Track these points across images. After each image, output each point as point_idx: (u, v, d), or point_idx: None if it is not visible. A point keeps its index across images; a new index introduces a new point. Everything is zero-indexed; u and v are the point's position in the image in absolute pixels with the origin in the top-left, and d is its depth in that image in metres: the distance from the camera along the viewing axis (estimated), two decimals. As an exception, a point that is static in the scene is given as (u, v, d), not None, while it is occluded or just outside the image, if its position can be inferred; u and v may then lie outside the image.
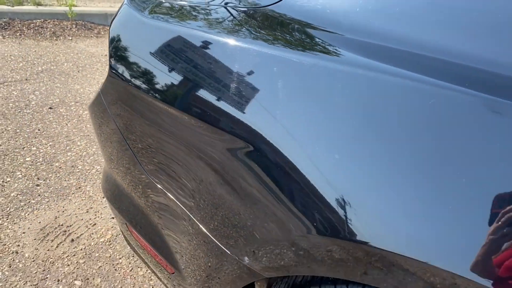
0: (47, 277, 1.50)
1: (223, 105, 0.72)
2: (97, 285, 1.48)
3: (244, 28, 0.78)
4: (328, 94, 0.60)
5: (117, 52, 0.97)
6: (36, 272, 1.52)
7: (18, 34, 3.84)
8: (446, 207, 0.48)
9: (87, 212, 1.82)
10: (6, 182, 1.97)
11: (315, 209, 0.59)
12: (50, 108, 2.59)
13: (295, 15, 0.73)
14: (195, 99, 0.76)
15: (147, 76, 0.88)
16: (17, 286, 1.46)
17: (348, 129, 0.56)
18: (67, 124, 2.40)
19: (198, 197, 0.82)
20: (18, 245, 1.64)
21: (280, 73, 0.65)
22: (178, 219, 0.91)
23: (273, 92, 0.66)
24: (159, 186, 0.93)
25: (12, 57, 3.29)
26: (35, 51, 3.42)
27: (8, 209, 1.81)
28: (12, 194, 1.90)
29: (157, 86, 0.85)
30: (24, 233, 1.70)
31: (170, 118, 0.82)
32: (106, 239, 1.68)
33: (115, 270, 1.55)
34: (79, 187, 1.96)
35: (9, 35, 3.81)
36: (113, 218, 1.78)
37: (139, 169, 0.98)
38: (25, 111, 2.54)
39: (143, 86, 0.88)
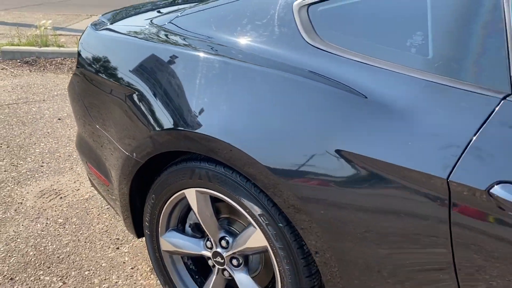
0: (39, 217, 2.19)
1: (125, 76, 1.43)
2: (74, 222, 2.16)
3: (152, 35, 1.51)
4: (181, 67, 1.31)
5: (80, 54, 1.71)
6: (33, 214, 2.22)
7: (42, 68, 4.72)
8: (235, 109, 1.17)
9: (75, 182, 2.52)
10: (19, 164, 2.70)
11: (165, 115, 1.28)
12: (59, 119, 3.36)
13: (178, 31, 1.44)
14: (115, 78, 1.48)
15: (94, 66, 1.61)
16: (19, 221, 2.15)
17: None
18: (70, 130, 3.15)
19: (114, 127, 1.52)
20: (23, 199, 2.34)
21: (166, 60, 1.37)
22: (108, 144, 1.60)
23: (159, 72, 1.37)
24: (98, 126, 1.63)
25: (35, 85, 4.13)
26: (54, 81, 4.26)
27: (18, 179, 2.53)
28: (22, 171, 2.62)
29: (98, 70, 1.57)
30: (28, 193, 2.40)
31: (103, 89, 1.53)
32: (84, 198, 2.37)
33: (87, 214, 2.23)
34: (72, 168, 2.67)
35: (35, 69, 4.70)
36: (92, 187, 2.46)
37: (89, 120, 1.69)
38: (39, 120, 3.32)
39: (91, 73, 1.60)
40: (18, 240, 2.01)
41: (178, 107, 1.27)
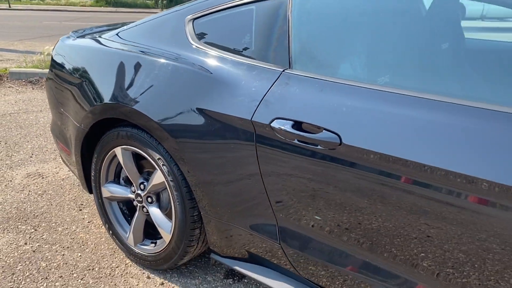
0: (24, 190, 2.80)
1: (78, 70, 2.08)
2: (49, 193, 2.77)
3: (101, 42, 2.16)
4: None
5: (53, 58, 2.36)
6: (18, 188, 2.83)
7: (42, 87, 5.43)
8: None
9: (55, 168, 3.14)
10: (13, 155, 3.34)
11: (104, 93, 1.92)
12: (51, 124, 4.01)
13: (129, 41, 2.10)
14: (72, 72, 2.13)
15: (60, 65, 2.26)
16: (7, 192, 2.76)
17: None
18: (58, 131, 3.79)
19: (71, 107, 2.14)
20: (12, 179, 2.96)
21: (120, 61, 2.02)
22: (68, 121, 2.23)
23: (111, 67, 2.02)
24: (62, 109, 2.26)
25: (35, 99, 4.82)
26: (51, 96, 4.96)
27: (11, 166, 3.16)
28: (15, 160, 3.26)
29: (62, 68, 2.22)
30: (17, 174, 3.03)
31: (64, 80, 2.18)
32: (61, 178, 2.98)
33: (61, 188, 2.84)
34: (55, 159, 3.30)
35: (37, 87, 5.41)
36: (69, 171, 3.08)
37: (57, 106, 2.32)
38: (35, 125, 3.98)
39: (58, 71, 2.25)
40: (5, 204, 2.61)
41: (106, 89, 1.90)
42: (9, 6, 22.21)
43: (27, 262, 2.07)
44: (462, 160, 1.08)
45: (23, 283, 1.93)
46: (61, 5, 25.14)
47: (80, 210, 2.55)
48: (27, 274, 1.99)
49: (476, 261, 1.11)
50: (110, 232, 2.17)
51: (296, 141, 1.39)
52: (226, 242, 1.76)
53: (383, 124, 1.24)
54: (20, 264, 2.05)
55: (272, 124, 1.44)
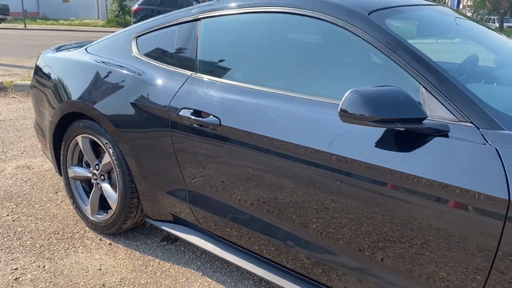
0: (12, 177, 3.37)
1: (52, 76, 2.67)
2: (33, 180, 3.33)
3: (72, 55, 2.75)
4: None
5: (36, 66, 2.95)
6: (8, 176, 3.39)
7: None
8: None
9: (42, 162, 3.71)
10: (7, 152, 3.91)
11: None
12: (44, 128, 4.59)
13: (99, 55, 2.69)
14: (47, 77, 2.71)
15: (40, 73, 2.84)
16: (0, 184, 3.33)
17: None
18: (49, 134, 4.37)
19: (47, 105, 2.72)
20: (4, 169, 3.53)
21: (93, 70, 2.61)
22: (44, 117, 2.80)
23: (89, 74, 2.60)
24: (41, 108, 2.84)
25: (23, 109, 5.44)
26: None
27: (4, 160, 3.73)
28: (8, 156, 3.83)
29: (42, 75, 2.81)
30: (8, 166, 3.60)
31: (43, 84, 2.76)
32: (45, 169, 3.54)
33: (44, 177, 3.40)
34: (42, 155, 3.88)
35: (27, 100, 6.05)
36: (43, 155, 3.63)
37: (37, 105, 2.90)
38: (30, 129, 4.57)
39: (40, 79, 2.84)
40: (0, 182, 3.18)
41: (71, 90, 2.46)
42: (25, 26, 23.30)
43: (7, 228, 2.62)
44: (300, 134, 1.61)
45: (1, 241, 2.47)
46: (74, 25, 26.25)
47: (56, 193, 3.10)
48: (5, 235, 2.53)
49: (348, 223, 1.62)
50: (74, 205, 2.71)
51: (195, 125, 1.94)
52: (155, 207, 2.29)
53: (249, 111, 1.77)
54: (1, 229, 2.59)
55: (179, 113, 1.99)
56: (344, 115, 1.35)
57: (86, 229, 2.64)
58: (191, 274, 2.23)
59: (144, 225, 2.65)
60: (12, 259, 2.31)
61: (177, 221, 2.27)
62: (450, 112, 1.40)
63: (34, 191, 3.12)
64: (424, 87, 1.46)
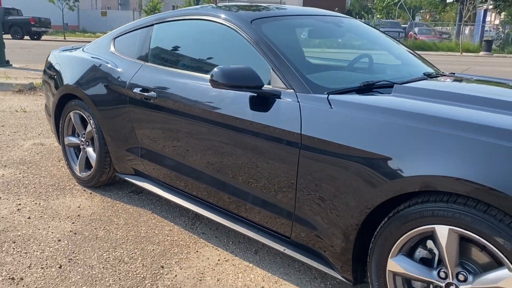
0: (28, 150, 4.29)
1: (55, 67, 3.58)
2: (44, 153, 4.24)
3: (73, 52, 3.67)
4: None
5: (47, 61, 3.88)
6: (25, 149, 4.32)
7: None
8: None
9: (53, 141, 4.63)
10: (28, 134, 4.86)
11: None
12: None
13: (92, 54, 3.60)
14: (51, 69, 3.63)
15: (48, 66, 3.76)
16: (17, 151, 4.26)
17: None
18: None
19: (50, 90, 3.63)
20: (22, 145, 4.45)
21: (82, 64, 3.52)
22: (50, 99, 3.71)
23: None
24: (48, 93, 3.75)
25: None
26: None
27: (24, 139, 4.68)
28: (28, 136, 4.78)
29: (49, 67, 3.73)
30: (27, 143, 4.52)
31: (48, 75, 3.68)
32: (55, 146, 4.46)
33: (52, 151, 4.31)
34: (53, 137, 4.81)
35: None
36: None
37: (46, 91, 3.81)
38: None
39: (49, 71, 3.76)
40: (14, 156, 4.09)
41: (66, 77, 3.35)
42: (64, 38, 25.09)
43: (17, 181, 3.50)
44: (197, 100, 2.41)
45: (12, 188, 3.36)
46: (108, 38, 27.94)
47: (59, 161, 4.00)
48: (15, 185, 3.42)
49: (232, 162, 2.42)
50: (68, 166, 3.58)
51: (143, 98, 2.77)
52: (120, 163, 3.12)
53: (173, 86, 2.57)
54: (13, 183, 3.49)
55: (133, 90, 2.82)
56: (211, 83, 2.14)
57: (76, 183, 3.50)
58: (144, 212, 3.04)
59: (119, 181, 3.48)
60: (18, 199, 3.18)
61: (136, 173, 3.09)
62: (283, 83, 2.16)
63: (43, 160, 4.02)
64: (272, 68, 2.23)
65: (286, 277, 2.31)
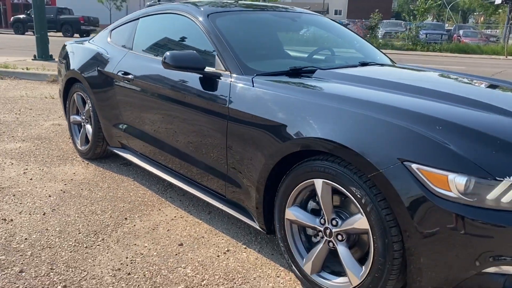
0: (46, 130, 4.93)
1: (66, 52, 4.17)
2: (59, 131, 4.86)
3: (82, 43, 4.25)
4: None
5: (63, 49, 4.48)
6: (43, 129, 4.97)
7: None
8: None
9: (59, 123, 5.27)
10: (49, 116, 5.52)
11: None
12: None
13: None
14: (63, 55, 4.22)
15: (61, 54, 4.36)
16: (37, 130, 4.90)
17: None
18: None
19: (62, 73, 4.22)
20: (42, 125, 5.11)
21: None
22: (60, 83, 4.31)
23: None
24: (60, 78, 4.35)
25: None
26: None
27: (45, 120, 5.34)
28: (49, 118, 5.43)
29: (63, 55, 4.32)
30: (46, 123, 5.17)
31: (61, 62, 4.27)
32: (63, 129, 5.09)
33: (66, 130, 4.93)
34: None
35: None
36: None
37: (58, 76, 4.41)
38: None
39: (61, 59, 4.36)
40: (33, 133, 4.72)
41: (72, 63, 3.93)
42: (109, 36, 26.41)
43: (29, 151, 4.11)
44: (155, 79, 2.89)
45: (24, 157, 3.97)
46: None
47: (69, 139, 4.59)
48: (27, 155, 4.01)
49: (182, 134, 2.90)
50: (72, 140, 4.16)
51: (125, 81, 3.28)
52: (110, 137, 3.65)
53: (144, 69, 3.06)
54: (26, 153, 4.09)
55: (117, 73, 3.34)
56: (163, 65, 2.60)
57: (77, 156, 4.06)
58: (127, 179, 3.55)
59: (112, 155, 4.01)
60: (26, 165, 3.77)
61: (122, 146, 3.61)
62: (223, 66, 2.59)
63: (56, 137, 4.63)
64: (216, 54, 2.66)
65: (226, 231, 2.73)
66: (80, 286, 2.12)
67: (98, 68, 3.54)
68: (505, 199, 1.59)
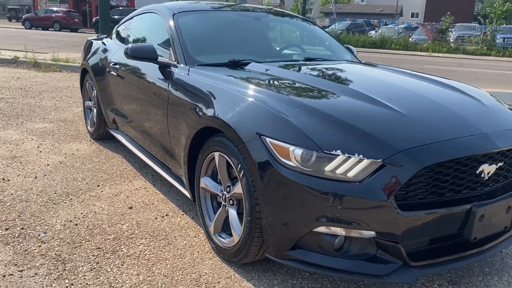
0: (53, 121, 5.67)
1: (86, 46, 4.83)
2: (80, 115, 5.58)
3: (101, 40, 4.91)
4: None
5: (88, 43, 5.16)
6: (51, 117, 5.71)
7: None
8: None
9: (78, 107, 5.98)
10: (76, 100, 6.29)
11: None
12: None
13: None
14: (87, 47, 4.88)
15: (85, 49, 5.03)
16: (45, 117, 5.65)
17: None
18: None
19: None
20: (47, 119, 5.86)
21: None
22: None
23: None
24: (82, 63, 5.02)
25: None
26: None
27: (56, 109, 6.09)
28: (71, 102, 6.20)
29: (85, 49, 4.99)
30: (50, 117, 5.93)
31: (84, 53, 4.93)
32: (80, 110, 5.79)
33: (79, 118, 5.64)
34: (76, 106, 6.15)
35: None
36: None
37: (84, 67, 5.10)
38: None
39: (83, 52, 5.02)
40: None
41: (86, 55, 4.57)
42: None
43: (51, 131, 4.80)
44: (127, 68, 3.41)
45: (44, 135, 4.66)
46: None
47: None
48: (46, 134, 4.70)
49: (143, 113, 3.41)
50: (85, 123, 4.80)
51: (115, 70, 3.83)
52: (108, 120, 4.21)
53: (126, 60, 3.59)
54: (48, 132, 4.79)
55: (111, 64, 3.90)
56: (125, 55, 3.08)
57: (87, 136, 4.69)
58: (118, 156, 4.09)
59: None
60: (42, 141, 4.45)
61: (116, 127, 4.17)
62: (174, 57, 3.03)
63: (79, 120, 5.31)
64: (171, 47, 3.11)
65: (175, 201, 3.16)
66: (34, 229, 2.64)
67: (100, 60, 4.12)
68: (339, 171, 1.87)
